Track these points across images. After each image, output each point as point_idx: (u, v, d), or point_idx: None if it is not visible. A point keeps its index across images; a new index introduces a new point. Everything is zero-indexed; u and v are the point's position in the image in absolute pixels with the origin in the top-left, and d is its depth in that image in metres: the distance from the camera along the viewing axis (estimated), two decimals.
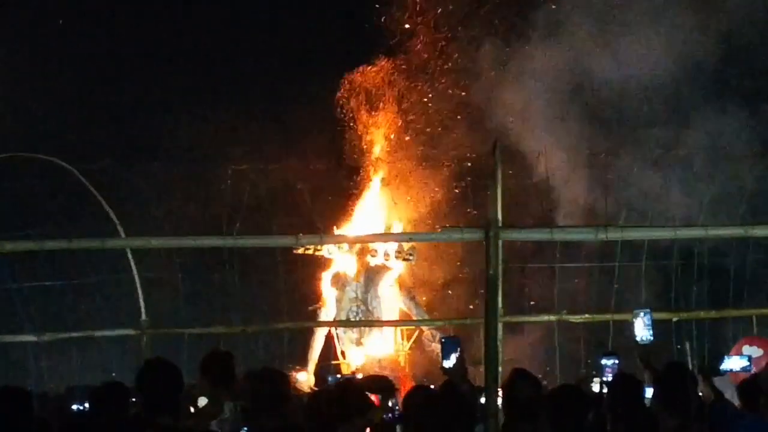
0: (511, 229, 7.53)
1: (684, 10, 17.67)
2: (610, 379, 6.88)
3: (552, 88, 18.67)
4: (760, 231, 6.53)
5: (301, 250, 17.30)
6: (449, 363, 6.39)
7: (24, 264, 13.22)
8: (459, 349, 6.40)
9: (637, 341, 7.04)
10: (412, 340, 18.21)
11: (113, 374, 12.78)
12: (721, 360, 7.39)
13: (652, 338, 7.01)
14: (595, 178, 16.63)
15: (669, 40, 17.69)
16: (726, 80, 18.60)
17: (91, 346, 13.71)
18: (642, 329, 7.01)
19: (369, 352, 17.84)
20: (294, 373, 14.55)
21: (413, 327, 18.47)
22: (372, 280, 18.18)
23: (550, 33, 18.96)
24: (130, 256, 13.72)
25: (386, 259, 18.26)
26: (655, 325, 7.06)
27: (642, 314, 7.06)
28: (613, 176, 16.15)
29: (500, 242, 7.38)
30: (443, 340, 6.59)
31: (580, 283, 13.83)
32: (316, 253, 18.02)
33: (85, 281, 13.55)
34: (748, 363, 7.42)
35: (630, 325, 7.20)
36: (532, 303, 14.49)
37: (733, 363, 7.45)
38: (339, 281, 18.19)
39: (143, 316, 13.63)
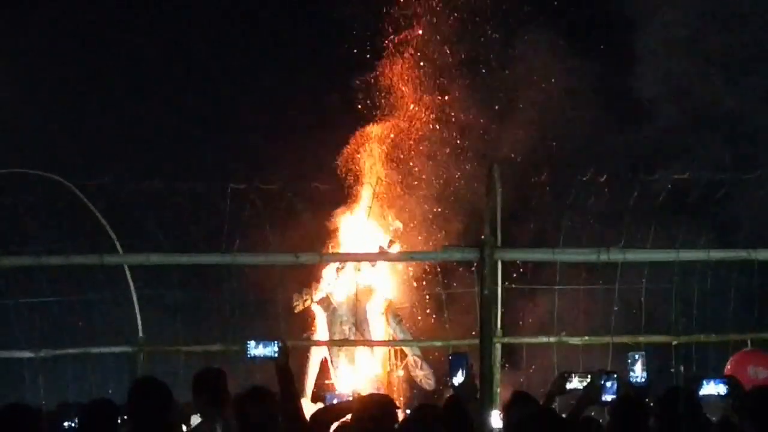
0: (509, 249, 7.45)
1: None
2: (609, 400, 6.72)
3: None
4: (763, 254, 6.41)
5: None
6: (458, 380, 6.32)
7: (21, 279, 13.15)
8: (467, 365, 6.34)
9: (631, 383, 6.90)
10: (404, 363, 18.06)
11: (109, 391, 12.71)
12: (699, 385, 7.18)
13: (647, 382, 6.87)
14: None
15: None
16: None
17: (88, 362, 13.64)
18: (637, 372, 6.87)
19: (361, 373, 17.71)
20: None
21: (402, 349, 18.30)
22: (361, 301, 18.06)
23: None
24: (127, 272, 13.67)
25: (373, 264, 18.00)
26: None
27: (637, 357, 6.92)
28: None
29: (498, 262, 7.31)
30: (450, 356, 6.54)
31: (580, 303, 13.62)
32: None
33: (81, 297, 13.49)
34: (726, 390, 7.21)
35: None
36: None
37: (711, 389, 7.24)
38: (328, 304, 18.07)
39: (140, 333, 13.60)
